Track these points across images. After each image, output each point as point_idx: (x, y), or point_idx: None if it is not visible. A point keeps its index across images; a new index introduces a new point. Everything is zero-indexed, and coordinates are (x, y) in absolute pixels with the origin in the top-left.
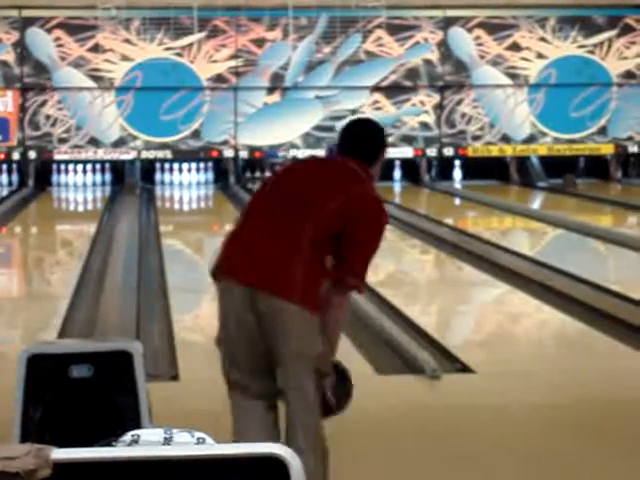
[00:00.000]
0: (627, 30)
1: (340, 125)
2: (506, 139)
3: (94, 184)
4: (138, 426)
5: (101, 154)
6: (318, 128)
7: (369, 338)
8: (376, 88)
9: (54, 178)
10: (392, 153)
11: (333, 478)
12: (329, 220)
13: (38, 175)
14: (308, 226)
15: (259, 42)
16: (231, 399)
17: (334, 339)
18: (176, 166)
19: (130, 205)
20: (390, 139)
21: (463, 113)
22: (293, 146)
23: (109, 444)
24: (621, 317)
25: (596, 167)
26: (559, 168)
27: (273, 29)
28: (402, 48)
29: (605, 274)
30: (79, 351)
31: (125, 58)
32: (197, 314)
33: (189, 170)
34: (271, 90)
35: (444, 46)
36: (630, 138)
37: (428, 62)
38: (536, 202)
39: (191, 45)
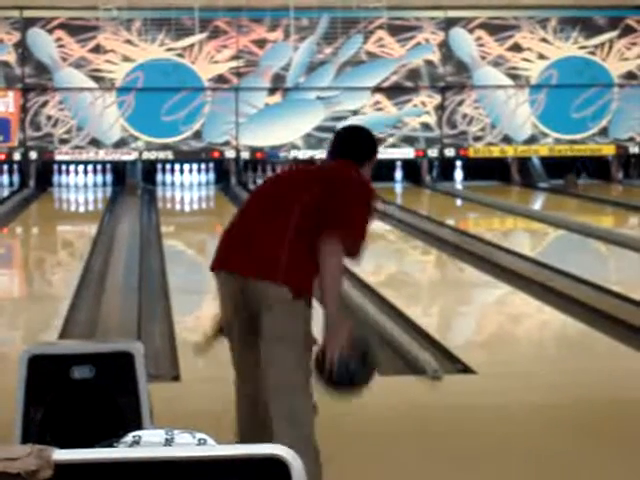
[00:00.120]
0: (628, 31)
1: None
2: (507, 140)
3: (95, 185)
4: (139, 427)
5: (102, 155)
6: (319, 129)
7: (370, 338)
8: (377, 89)
9: (55, 179)
10: (393, 154)
11: (334, 478)
12: (314, 201)
13: (39, 176)
14: (295, 210)
15: (260, 43)
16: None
17: (330, 294)
18: (177, 167)
19: (131, 206)
20: (391, 140)
21: (464, 114)
22: (294, 147)
23: (110, 445)
24: (622, 318)
25: (597, 168)
26: (560, 169)
27: (274, 30)
28: (403, 49)
29: (606, 275)
30: (80, 352)
31: (126, 59)
32: (198, 315)
33: (190, 171)
34: (272, 91)
35: (445, 47)
36: (631, 139)
37: (429, 63)
38: (537, 203)
39: (192, 46)
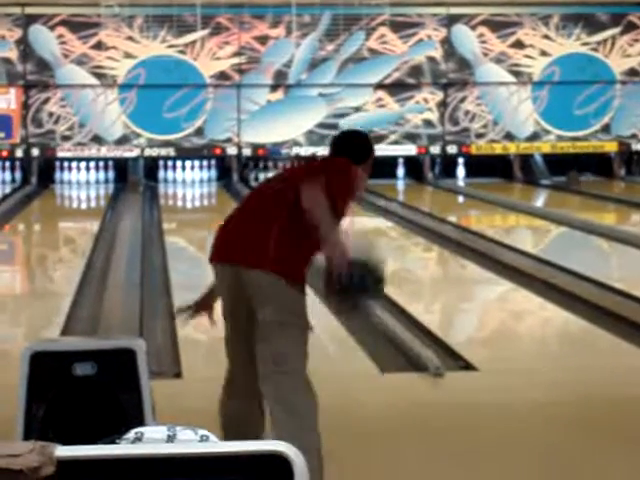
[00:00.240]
0: (630, 27)
1: (343, 122)
2: (510, 137)
3: (97, 182)
4: (141, 424)
5: (104, 151)
6: (321, 125)
7: (372, 336)
8: (379, 85)
9: (57, 175)
10: (395, 151)
11: (337, 476)
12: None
13: (41, 172)
14: (289, 198)
15: (262, 39)
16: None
17: (323, 226)
18: (179, 164)
19: (133, 203)
20: (393, 137)
21: (467, 111)
22: (296, 143)
23: (113, 442)
24: (624, 315)
25: (600, 165)
26: (562, 166)
27: (276, 26)
28: (405, 45)
29: (608, 272)
30: (82, 349)
31: (128, 55)
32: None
33: (192, 168)
34: (274, 87)
35: (448, 43)
36: (634, 136)
37: (432, 59)
38: (540, 200)
39: (194, 42)
